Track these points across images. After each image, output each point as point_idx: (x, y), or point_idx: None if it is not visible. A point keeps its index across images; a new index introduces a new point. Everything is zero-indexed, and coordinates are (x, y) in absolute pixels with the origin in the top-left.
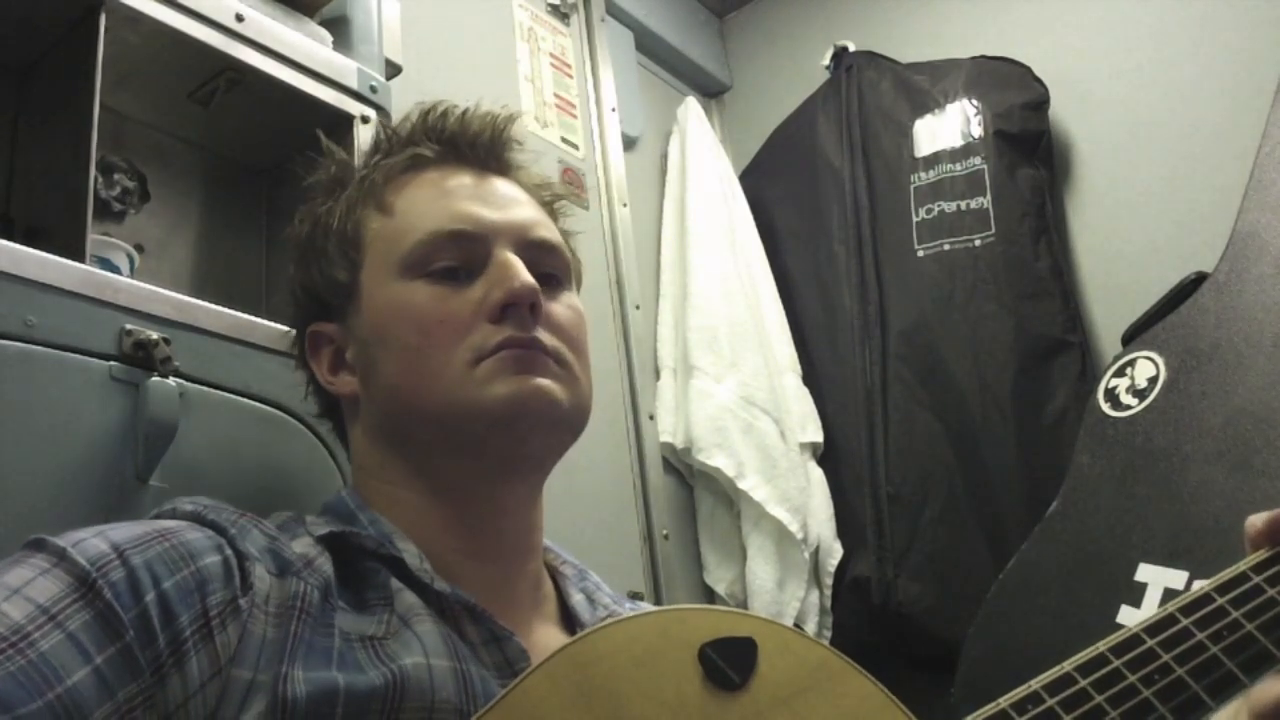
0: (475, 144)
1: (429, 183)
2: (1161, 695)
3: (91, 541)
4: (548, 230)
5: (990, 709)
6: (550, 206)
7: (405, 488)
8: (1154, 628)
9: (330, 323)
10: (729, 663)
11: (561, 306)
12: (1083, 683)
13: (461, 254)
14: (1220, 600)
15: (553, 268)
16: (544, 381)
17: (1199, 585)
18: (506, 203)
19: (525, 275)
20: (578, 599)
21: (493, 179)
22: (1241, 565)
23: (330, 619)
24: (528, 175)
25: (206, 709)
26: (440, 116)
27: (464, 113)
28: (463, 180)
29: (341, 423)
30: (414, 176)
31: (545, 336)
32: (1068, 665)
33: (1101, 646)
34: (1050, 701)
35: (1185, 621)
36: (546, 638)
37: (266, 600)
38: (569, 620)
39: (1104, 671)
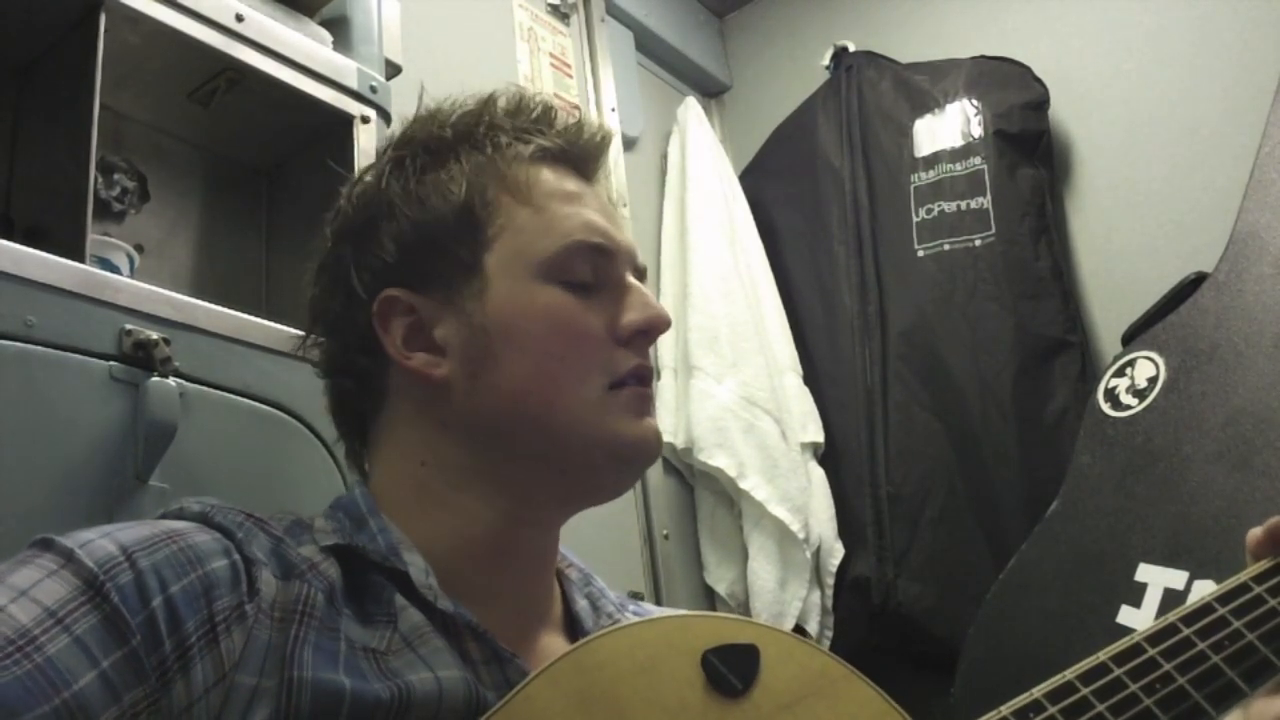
0: (588, 152)
1: (554, 181)
2: (1162, 704)
3: (99, 543)
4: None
5: (992, 716)
6: None
7: (456, 488)
8: (1155, 637)
9: (410, 290)
10: (731, 669)
11: None
12: (1084, 691)
13: (595, 269)
14: (1221, 610)
15: None
16: (656, 426)
17: (1200, 588)
18: (618, 221)
19: (661, 305)
20: (582, 604)
21: (599, 190)
22: (1242, 575)
23: (335, 623)
24: (609, 190)
25: (210, 715)
26: (555, 117)
27: (578, 121)
28: (582, 188)
29: (376, 400)
30: (540, 170)
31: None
32: (1069, 674)
33: (1102, 655)
34: (1051, 709)
35: (1186, 631)
36: (549, 645)
37: (272, 605)
38: (572, 626)
39: (1105, 680)
